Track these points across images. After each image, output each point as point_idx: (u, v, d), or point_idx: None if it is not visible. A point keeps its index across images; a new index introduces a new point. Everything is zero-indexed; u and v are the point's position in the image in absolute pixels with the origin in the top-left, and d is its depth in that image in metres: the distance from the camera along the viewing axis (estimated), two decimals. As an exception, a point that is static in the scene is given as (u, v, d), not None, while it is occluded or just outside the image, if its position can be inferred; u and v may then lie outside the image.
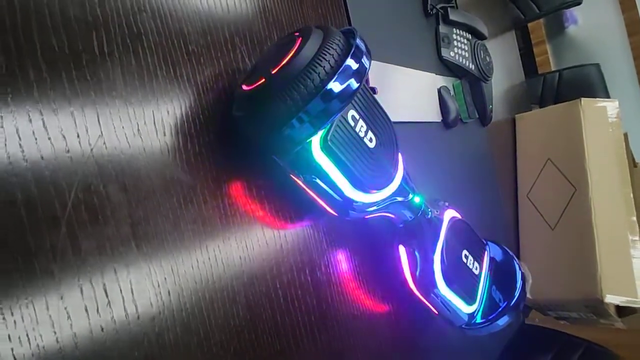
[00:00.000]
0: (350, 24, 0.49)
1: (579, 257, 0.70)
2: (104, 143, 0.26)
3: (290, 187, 0.34)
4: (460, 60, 0.67)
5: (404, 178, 0.36)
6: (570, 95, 1.31)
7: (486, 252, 0.46)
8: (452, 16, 0.67)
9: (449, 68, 0.67)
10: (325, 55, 0.26)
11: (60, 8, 0.25)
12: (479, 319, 0.43)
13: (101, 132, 0.26)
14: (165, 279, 0.28)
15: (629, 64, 1.71)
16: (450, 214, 0.43)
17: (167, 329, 0.27)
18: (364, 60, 0.28)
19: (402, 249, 0.42)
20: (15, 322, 0.21)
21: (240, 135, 0.32)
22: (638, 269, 0.68)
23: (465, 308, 0.42)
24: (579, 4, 1.22)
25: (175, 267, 0.28)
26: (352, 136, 0.30)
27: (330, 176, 0.30)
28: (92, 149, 0.25)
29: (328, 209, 0.34)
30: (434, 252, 0.39)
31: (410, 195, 0.38)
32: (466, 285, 0.42)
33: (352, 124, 0.31)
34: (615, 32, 1.74)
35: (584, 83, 1.28)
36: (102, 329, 0.24)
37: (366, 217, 0.35)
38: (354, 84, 0.27)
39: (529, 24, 1.74)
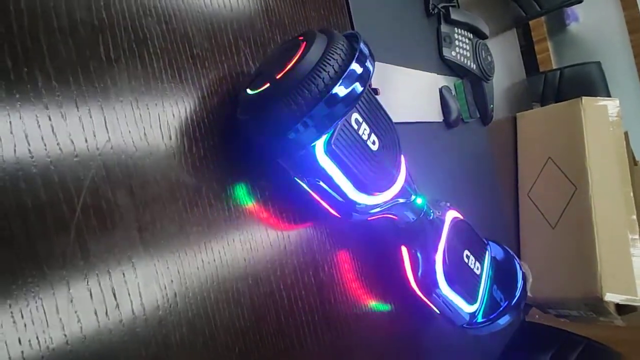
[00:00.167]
0: (352, 24, 0.49)
1: (579, 256, 0.71)
2: (111, 147, 0.26)
3: (294, 189, 0.35)
4: (462, 60, 0.67)
5: (406, 180, 0.36)
6: (571, 93, 1.31)
7: (487, 252, 0.46)
8: (454, 15, 0.67)
9: (451, 68, 0.68)
10: (330, 60, 0.27)
11: (67, 12, 0.25)
12: (480, 319, 0.44)
13: (108, 137, 0.26)
14: (171, 281, 0.28)
15: (629, 62, 1.71)
16: (451, 214, 0.43)
17: (174, 330, 0.28)
18: (368, 64, 0.28)
19: (404, 250, 0.42)
20: (25, 325, 0.21)
21: (245, 138, 0.32)
22: (638, 267, 0.69)
23: (466, 308, 0.42)
24: (580, 2, 1.22)
25: (182, 269, 0.29)
26: (355, 139, 0.31)
27: (334, 179, 0.30)
28: (99, 154, 0.25)
29: (331, 210, 0.34)
30: (435, 252, 0.40)
31: (413, 197, 0.38)
32: (467, 285, 0.42)
33: (356, 127, 0.31)
34: (616, 29, 1.74)
35: (585, 81, 1.28)
36: (111, 331, 0.24)
37: (369, 219, 0.36)
38: (358, 88, 0.27)
39: (530, 22, 1.74)
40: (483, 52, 0.71)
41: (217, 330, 0.30)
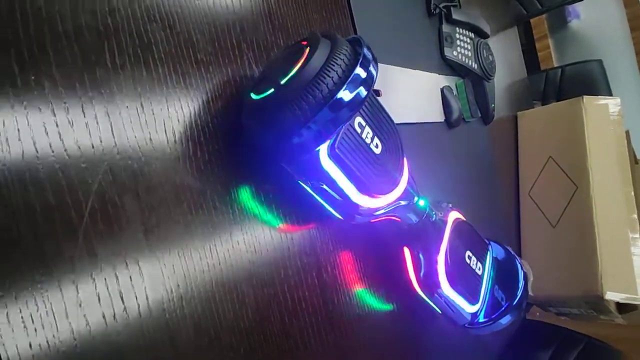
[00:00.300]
0: (354, 26, 0.50)
1: (580, 255, 0.71)
2: (118, 153, 0.26)
3: (297, 192, 0.35)
4: (463, 60, 0.67)
5: (409, 182, 0.36)
6: (572, 91, 1.31)
7: (489, 252, 0.47)
8: (455, 15, 0.67)
9: (452, 67, 0.68)
10: (333, 65, 0.27)
11: (73, 18, 0.26)
12: (481, 318, 0.44)
13: (115, 142, 0.26)
14: (178, 284, 0.28)
15: (631, 60, 1.71)
16: (453, 215, 0.44)
17: (180, 332, 0.28)
18: (372, 69, 0.28)
19: (406, 251, 0.42)
20: (36, 329, 0.22)
21: (249, 142, 0.33)
22: (638, 266, 0.69)
23: (468, 308, 0.43)
24: (582, -1, 1.21)
25: (187, 271, 0.29)
26: (358, 143, 0.31)
27: (337, 183, 0.31)
28: (106, 160, 0.26)
29: (334, 213, 0.34)
30: (438, 253, 0.40)
31: (415, 199, 0.38)
32: (469, 286, 0.43)
33: (359, 130, 0.31)
34: (617, 27, 1.73)
35: (587, 79, 1.28)
36: (119, 334, 0.25)
37: (372, 221, 0.36)
38: (362, 93, 0.27)
39: (531, 19, 1.74)
40: (484, 51, 0.71)
41: (222, 330, 0.30)
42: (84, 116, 0.25)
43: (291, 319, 0.35)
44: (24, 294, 0.22)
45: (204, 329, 0.29)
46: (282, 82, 0.28)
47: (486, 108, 0.73)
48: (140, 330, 0.26)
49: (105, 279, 0.25)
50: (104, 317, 0.24)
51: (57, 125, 0.24)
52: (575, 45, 1.78)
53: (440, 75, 0.64)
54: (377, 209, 0.34)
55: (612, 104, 0.80)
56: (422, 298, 0.43)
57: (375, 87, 0.49)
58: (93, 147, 0.25)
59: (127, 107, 0.27)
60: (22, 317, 0.21)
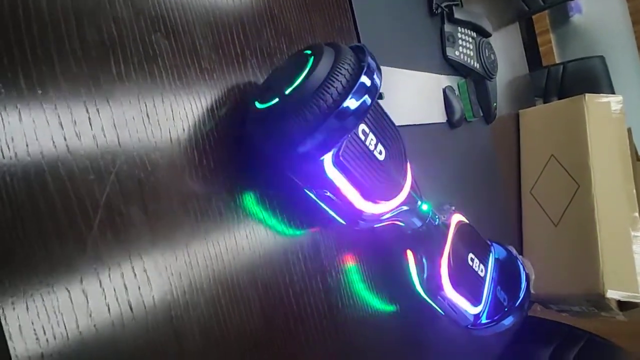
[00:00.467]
0: (356, 28, 0.50)
1: (582, 253, 0.71)
2: (125, 162, 0.27)
3: (301, 197, 0.35)
4: (465, 60, 0.67)
5: (412, 187, 0.36)
6: (574, 88, 1.31)
7: (491, 254, 0.47)
8: (457, 14, 0.67)
9: (454, 67, 0.68)
10: (337, 75, 0.27)
11: (78, 29, 0.26)
12: (484, 320, 0.44)
13: (122, 154, 0.27)
14: (184, 291, 0.29)
15: (633, 54, 1.70)
16: (456, 218, 0.44)
17: (186, 337, 0.28)
18: (376, 78, 0.28)
19: (409, 254, 0.43)
20: (47, 340, 0.22)
21: (253, 149, 0.33)
22: (640, 264, 0.69)
23: (471, 309, 0.43)
24: (584, -6, 1.21)
25: (194, 278, 0.29)
26: (362, 150, 0.31)
27: (342, 190, 0.31)
28: (114, 171, 0.26)
29: (338, 219, 0.35)
30: (441, 257, 0.41)
31: (419, 203, 0.38)
32: (472, 288, 0.43)
33: (363, 138, 0.31)
34: (619, 20, 1.73)
35: (589, 76, 1.28)
36: (127, 343, 0.25)
37: (375, 226, 0.36)
38: (366, 102, 0.27)
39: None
40: (486, 50, 0.71)
41: (228, 335, 0.31)
42: (92, 129, 0.26)
43: (296, 323, 0.36)
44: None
45: (210, 333, 0.30)
46: (287, 92, 0.28)
47: (488, 107, 0.73)
48: (148, 340, 0.26)
49: (115, 290, 0.25)
50: (113, 325, 0.25)
51: (64, 139, 0.24)
52: (577, 40, 1.77)
53: (442, 76, 0.64)
54: (381, 215, 0.34)
55: (614, 101, 0.80)
56: (425, 300, 0.44)
57: (378, 90, 0.49)
58: (102, 158, 0.26)
59: (134, 118, 0.28)
60: (34, 330, 0.22)
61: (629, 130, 0.83)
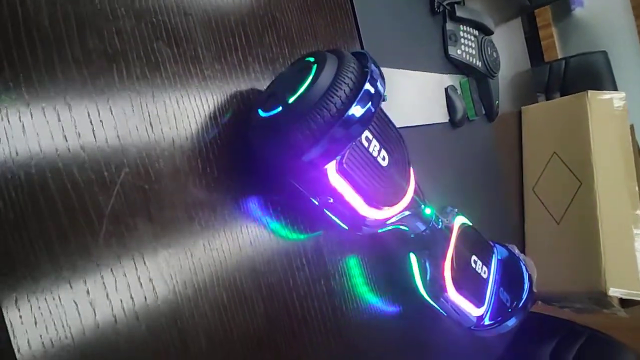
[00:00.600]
0: (358, 29, 0.49)
1: (584, 251, 0.71)
2: (129, 174, 0.27)
3: (305, 202, 0.35)
4: (467, 58, 0.67)
5: (415, 192, 0.36)
6: (576, 83, 1.30)
7: (494, 256, 0.47)
8: (459, 13, 0.66)
9: (456, 66, 0.67)
10: (341, 84, 0.27)
11: (79, 36, 0.26)
12: (487, 321, 0.45)
13: (126, 164, 0.27)
14: (189, 297, 0.29)
15: (636, 49, 1.69)
16: (459, 220, 0.44)
17: (192, 341, 0.29)
18: (379, 85, 0.28)
19: (412, 257, 0.43)
20: (52, 344, 0.22)
21: (256, 157, 0.33)
22: (642, 262, 0.69)
23: (474, 311, 0.43)
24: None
25: (198, 284, 0.30)
26: (366, 157, 0.31)
27: (345, 197, 0.31)
28: (119, 183, 0.26)
29: (341, 224, 0.35)
30: (444, 260, 0.41)
31: (422, 207, 0.39)
32: (475, 290, 0.43)
33: (366, 144, 0.31)
34: (621, 14, 1.71)
35: (591, 71, 1.27)
36: (129, 343, 0.25)
37: (379, 231, 0.36)
38: (370, 110, 0.27)
39: (535, 8, 1.71)
40: (489, 48, 0.70)
41: (232, 338, 0.31)
42: (95, 140, 0.26)
43: (301, 326, 0.36)
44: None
45: (215, 336, 0.30)
46: (290, 100, 0.28)
47: (490, 105, 0.73)
48: (153, 347, 0.26)
49: (121, 301, 0.25)
50: (117, 334, 0.25)
51: (69, 150, 0.24)
52: (579, 33, 1.76)
53: (444, 75, 0.64)
54: (384, 220, 0.34)
55: (616, 98, 0.79)
56: (428, 302, 0.44)
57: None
58: (107, 170, 0.26)
59: (137, 128, 0.28)
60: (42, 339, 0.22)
61: (632, 127, 0.82)
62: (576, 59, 1.31)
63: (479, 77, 0.70)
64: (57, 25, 0.25)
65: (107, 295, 0.25)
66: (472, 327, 0.45)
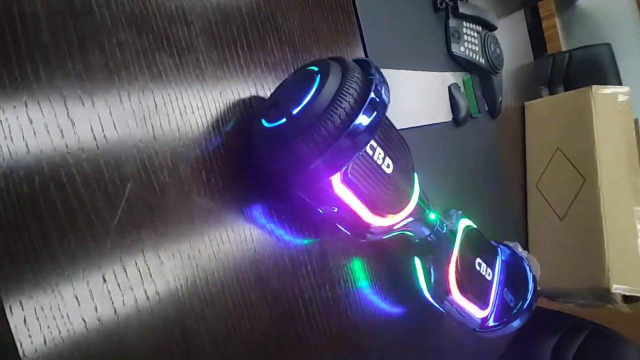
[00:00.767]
0: (360, 30, 0.49)
1: (587, 247, 0.71)
2: (134, 184, 0.27)
3: (309, 209, 0.35)
4: (471, 55, 0.66)
5: (420, 197, 0.36)
6: (580, 77, 1.29)
7: (498, 257, 0.47)
8: (462, 9, 0.66)
9: (459, 63, 0.67)
10: (345, 95, 0.27)
11: (81, 54, 0.26)
12: (491, 322, 0.45)
13: (130, 178, 0.27)
14: (194, 305, 0.29)
15: (639, 41, 1.67)
16: (463, 223, 0.44)
17: (197, 347, 0.29)
18: (383, 94, 0.28)
19: (417, 261, 0.43)
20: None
21: (259, 165, 0.33)
22: (645, 258, 0.69)
23: (478, 313, 0.43)
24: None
25: (203, 291, 0.30)
26: (370, 165, 0.31)
27: (350, 206, 0.31)
28: (125, 196, 0.26)
29: (345, 232, 0.35)
30: (448, 263, 0.41)
31: (426, 213, 0.38)
32: (479, 292, 0.43)
33: (371, 152, 0.31)
34: (625, 5, 1.69)
35: (595, 64, 1.25)
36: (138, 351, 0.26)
37: (383, 237, 0.36)
38: (375, 120, 0.27)
39: (538, -1, 1.69)
40: (492, 45, 0.70)
41: (238, 344, 0.31)
42: (102, 156, 0.25)
43: (306, 331, 0.36)
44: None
45: (220, 342, 0.30)
46: (294, 112, 0.27)
47: (493, 102, 0.72)
48: (158, 349, 0.27)
49: (124, 309, 0.25)
50: (121, 341, 0.25)
51: (76, 171, 0.24)
52: (583, 25, 1.74)
53: (447, 73, 0.64)
54: (389, 227, 0.34)
55: (620, 92, 0.78)
56: (433, 305, 0.44)
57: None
58: (113, 183, 0.26)
59: (141, 141, 0.27)
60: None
61: (636, 122, 0.82)
62: (580, 52, 1.29)
63: (482, 74, 0.70)
64: (58, 40, 0.25)
65: (113, 307, 0.25)
66: (476, 329, 0.45)
